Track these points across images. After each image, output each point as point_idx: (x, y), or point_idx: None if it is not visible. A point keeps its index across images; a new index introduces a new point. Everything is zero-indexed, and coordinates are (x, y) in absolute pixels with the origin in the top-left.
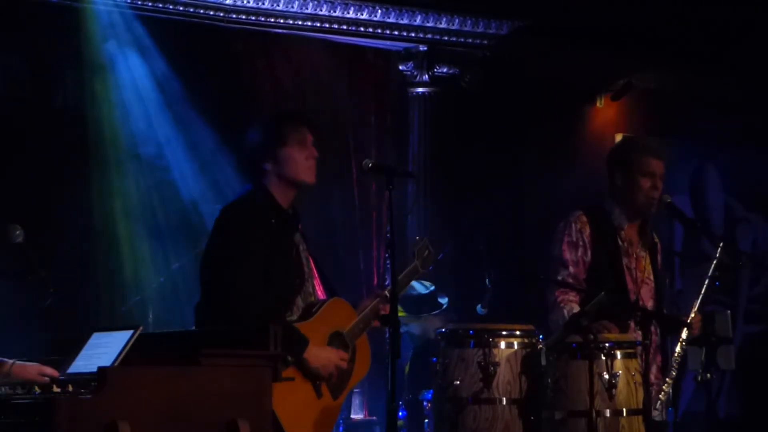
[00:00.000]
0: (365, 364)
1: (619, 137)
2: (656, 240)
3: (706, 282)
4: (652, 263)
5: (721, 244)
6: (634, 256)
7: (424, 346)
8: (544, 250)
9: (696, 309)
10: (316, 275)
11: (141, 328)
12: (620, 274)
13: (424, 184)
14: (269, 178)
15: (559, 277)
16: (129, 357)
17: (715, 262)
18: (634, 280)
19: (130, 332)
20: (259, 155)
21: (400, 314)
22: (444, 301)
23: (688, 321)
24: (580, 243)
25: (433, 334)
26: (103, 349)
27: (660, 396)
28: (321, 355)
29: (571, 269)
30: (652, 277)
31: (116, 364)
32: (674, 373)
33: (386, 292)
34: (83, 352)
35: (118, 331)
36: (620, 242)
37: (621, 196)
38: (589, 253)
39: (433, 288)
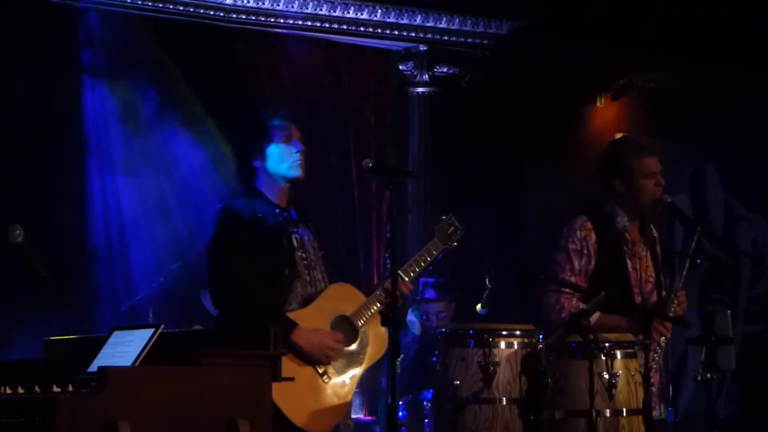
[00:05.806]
0: (380, 345)
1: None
2: (655, 234)
3: (688, 261)
4: (652, 259)
5: (698, 228)
6: (638, 256)
7: None
8: (544, 249)
9: (680, 285)
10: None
11: (162, 326)
12: (626, 277)
13: (424, 184)
14: (259, 175)
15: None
16: (150, 356)
17: (694, 243)
18: (638, 280)
19: (150, 331)
20: (247, 153)
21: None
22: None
23: (672, 296)
24: (585, 251)
25: None
26: (123, 348)
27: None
28: (312, 337)
29: (572, 277)
30: (653, 274)
31: (137, 363)
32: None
33: (401, 271)
34: (104, 351)
35: (138, 329)
36: (625, 245)
37: (624, 199)
38: (593, 261)
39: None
